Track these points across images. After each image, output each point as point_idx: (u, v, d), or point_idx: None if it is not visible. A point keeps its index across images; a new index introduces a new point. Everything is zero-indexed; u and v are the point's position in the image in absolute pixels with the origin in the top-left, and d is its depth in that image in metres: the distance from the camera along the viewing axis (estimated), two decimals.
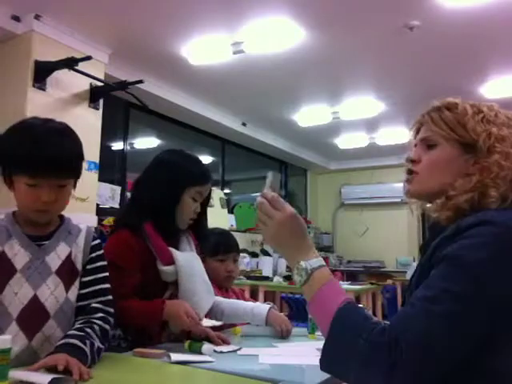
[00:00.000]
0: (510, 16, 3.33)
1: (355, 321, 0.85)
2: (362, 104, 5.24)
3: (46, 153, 1.18)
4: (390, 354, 0.78)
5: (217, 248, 2.03)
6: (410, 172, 1.06)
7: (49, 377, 0.99)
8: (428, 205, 1.04)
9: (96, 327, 1.26)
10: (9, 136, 1.24)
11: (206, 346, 1.38)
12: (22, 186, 1.21)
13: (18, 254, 1.24)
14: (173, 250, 1.64)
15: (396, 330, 0.80)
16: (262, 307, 1.78)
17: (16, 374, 1.00)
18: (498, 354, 0.84)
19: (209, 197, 1.77)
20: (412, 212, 1.12)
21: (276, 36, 3.68)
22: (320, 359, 0.87)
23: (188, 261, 1.66)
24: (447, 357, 0.80)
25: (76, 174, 1.28)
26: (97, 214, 3.83)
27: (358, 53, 4.06)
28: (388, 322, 0.84)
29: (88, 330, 1.23)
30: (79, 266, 1.33)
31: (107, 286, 1.36)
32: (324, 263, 0.94)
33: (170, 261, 1.61)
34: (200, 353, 1.36)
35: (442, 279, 0.84)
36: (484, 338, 0.82)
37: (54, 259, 1.29)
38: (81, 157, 1.29)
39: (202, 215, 1.77)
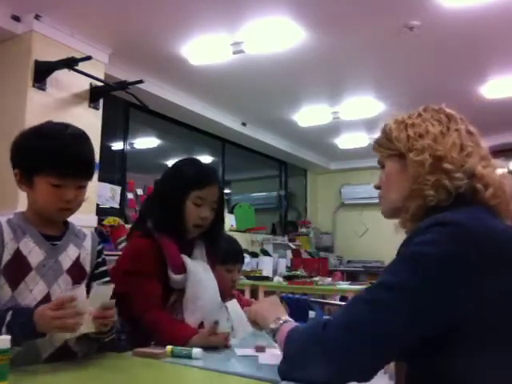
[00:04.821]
0: (510, 16, 3.33)
1: (302, 328, 0.98)
2: (362, 104, 5.23)
3: (74, 156, 1.26)
4: (320, 335, 0.89)
5: (225, 257, 2.00)
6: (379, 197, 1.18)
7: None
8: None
9: None
10: (34, 138, 1.28)
11: (196, 350, 1.31)
12: (46, 187, 1.25)
13: (33, 252, 1.27)
14: (185, 257, 1.65)
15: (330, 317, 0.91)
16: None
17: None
18: (447, 357, 0.84)
19: (220, 201, 1.73)
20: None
21: (276, 36, 3.68)
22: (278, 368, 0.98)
23: (196, 267, 1.67)
24: (370, 341, 0.83)
25: (92, 175, 1.35)
26: (97, 214, 3.83)
27: (358, 53, 4.06)
28: None
29: None
30: (87, 268, 1.39)
31: None
32: (291, 321, 1.08)
33: (182, 270, 1.62)
34: (190, 358, 1.29)
35: (384, 272, 0.89)
36: (418, 334, 0.83)
37: (66, 259, 1.33)
38: (95, 160, 1.36)
39: (217, 221, 1.76)
